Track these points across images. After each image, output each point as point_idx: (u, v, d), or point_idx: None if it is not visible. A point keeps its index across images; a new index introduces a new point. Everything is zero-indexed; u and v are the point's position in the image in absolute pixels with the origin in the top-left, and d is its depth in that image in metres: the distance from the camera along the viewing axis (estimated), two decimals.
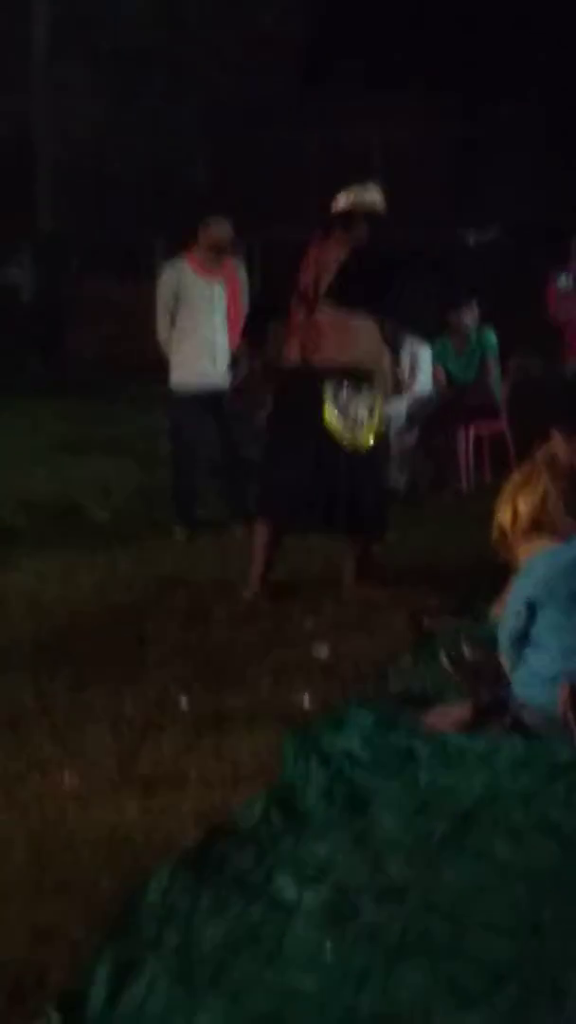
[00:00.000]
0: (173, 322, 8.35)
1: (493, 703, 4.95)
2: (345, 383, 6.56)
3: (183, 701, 5.28)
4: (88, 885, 3.83)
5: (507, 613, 5.06)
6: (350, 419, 6.51)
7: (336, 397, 6.51)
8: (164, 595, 6.84)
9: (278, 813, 4.24)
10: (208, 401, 8.25)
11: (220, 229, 8.32)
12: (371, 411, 6.64)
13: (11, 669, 5.67)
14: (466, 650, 5.39)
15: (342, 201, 6.76)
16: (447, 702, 5.15)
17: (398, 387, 10.02)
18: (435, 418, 9.74)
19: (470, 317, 9.97)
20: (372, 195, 6.83)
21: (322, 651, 5.86)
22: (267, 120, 20.25)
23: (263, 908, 3.67)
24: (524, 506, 5.38)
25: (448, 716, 4.94)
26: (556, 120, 18.31)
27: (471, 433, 9.75)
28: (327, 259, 6.63)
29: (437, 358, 10.02)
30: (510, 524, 5.39)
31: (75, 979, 3.35)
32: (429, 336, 10.18)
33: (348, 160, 19.92)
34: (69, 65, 20.82)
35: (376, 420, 6.66)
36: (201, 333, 8.26)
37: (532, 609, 4.92)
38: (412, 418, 9.80)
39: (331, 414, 6.49)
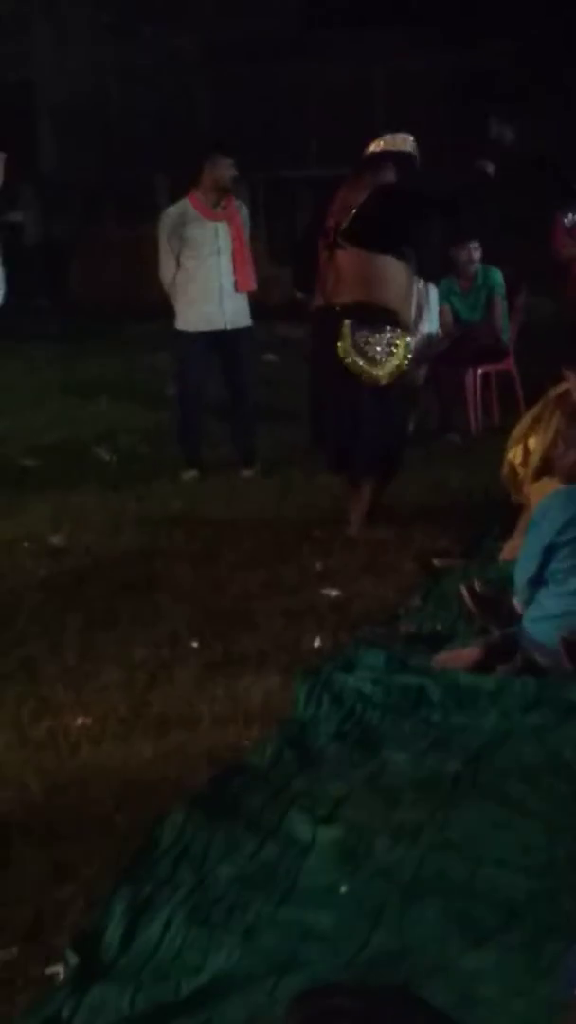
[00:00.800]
0: (177, 264, 8.29)
1: (504, 643, 4.95)
2: (363, 321, 6.55)
3: (194, 643, 5.29)
4: (102, 825, 3.86)
5: (523, 555, 5.04)
6: (368, 356, 6.52)
7: (353, 334, 6.52)
8: (173, 537, 6.84)
9: (291, 753, 4.26)
10: (216, 343, 8.21)
11: (223, 168, 8.24)
12: (391, 348, 6.63)
13: (22, 612, 5.68)
14: (478, 588, 5.37)
15: (373, 146, 6.76)
16: (458, 642, 5.16)
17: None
18: (442, 358, 9.69)
19: (474, 255, 9.89)
20: (402, 142, 6.82)
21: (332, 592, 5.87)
22: (268, 57, 20.06)
23: (277, 847, 3.69)
24: (535, 445, 5.37)
25: (459, 656, 4.95)
26: (557, 53, 18.11)
27: (478, 373, 9.71)
28: (354, 202, 6.65)
29: (443, 298, 9.96)
30: (521, 463, 5.39)
31: (91, 919, 3.38)
32: (434, 275, 10.11)
33: (349, 96, 19.78)
34: (69, 6, 20.62)
35: (398, 357, 6.66)
36: (207, 275, 8.20)
37: (548, 552, 4.91)
38: (419, 358, 9.74)
39: (347, 351, 6.51)
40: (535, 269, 10.91)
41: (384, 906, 3.39)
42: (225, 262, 8.22)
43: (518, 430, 5.82)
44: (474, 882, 3.50)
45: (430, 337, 9.86)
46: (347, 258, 6.60)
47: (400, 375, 6.72)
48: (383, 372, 6.57)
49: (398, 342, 6.65)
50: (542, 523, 4.98)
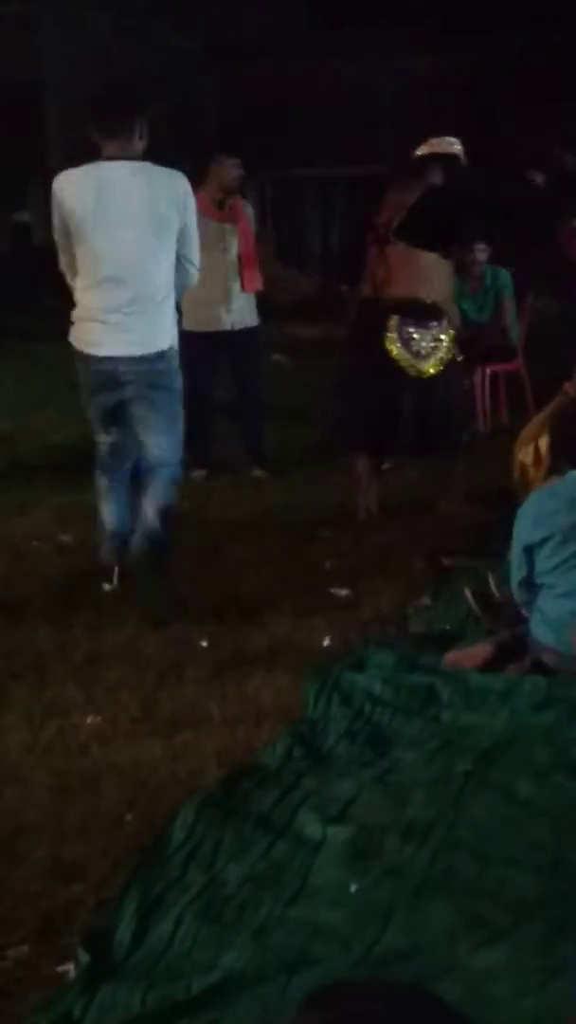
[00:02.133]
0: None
1: (514, 642, 4.95)
2: (410, 315, 6.79)
3: (203, 642, 5.29)
4: (112, 824, 3.87)
5: (513, 558, 5.06)
6: (412, 350, 6.71)
7: (400, 328, 6.68)
8: (183, 536, 6.82)
9: (300, 752, 4.26)
10: (222, 342, 8.21)
11: (228, 169, 8.24)
12: (436, 341, 6.86)
13: (31, 611, 5.68)
14: (492, 587, 5.38)
15: (420, 150, 7.02)
16: (468, 641, 5.16)
17: None
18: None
19: (479, 256, 9.89)
20: (449, 145, 7.07)
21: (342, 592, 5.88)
22: (275, 56, 20.05)
23: (287, 846, 3.70)
24: (546, 446, 5.37)
25: (469, 655, 4.95)
26: (567, 52, 18.09)
27: (487, 373, 9.71)
28: (402, 202, 6.85)
29: (452, 298, 9.94)
30: (532, 463, 5.39)
31: (102, 917, 3.38)
32: None
33: (357, 95, 19.76)
34: (78, 6, 20.62)
35: (443, 350, 6.91)
36: (214, 275, 8.19)
37: (530, 554, 4.92)
38: None
39: (393, 344, 6.65)
40: (542, 270, 10.89)
41: (394, 905, 3.39)
42: (232, 262, 8.22)
43: (528, 430, 5.82)
44: (484, 881, 3.50)
45: None
46: (397, 255, 6.86)
47: (446, 367, 6.95)
48: (428, 365, 6.77)
49: (443, 336, 6.93)
50: (518, 525, 5.00)
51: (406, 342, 6.83)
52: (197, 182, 8.28)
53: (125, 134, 5.59)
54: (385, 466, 7.49)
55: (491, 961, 3.16)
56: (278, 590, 5.93)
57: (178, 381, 5.73)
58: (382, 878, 3.52)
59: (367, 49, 19.33)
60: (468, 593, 5.42)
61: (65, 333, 5.91)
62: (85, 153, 5.86)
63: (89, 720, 4.57)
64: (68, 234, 5.67)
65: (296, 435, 9.22)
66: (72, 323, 5.79)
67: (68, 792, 4.06)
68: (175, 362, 5.73)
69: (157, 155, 5.78)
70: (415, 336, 6.84)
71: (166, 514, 5.72)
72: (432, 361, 6.85)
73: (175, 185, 5.61)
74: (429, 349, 6.85)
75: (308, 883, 3.52)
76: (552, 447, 5.43)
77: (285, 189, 19.40)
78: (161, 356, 5.63)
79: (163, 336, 5.64)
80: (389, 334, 6.84)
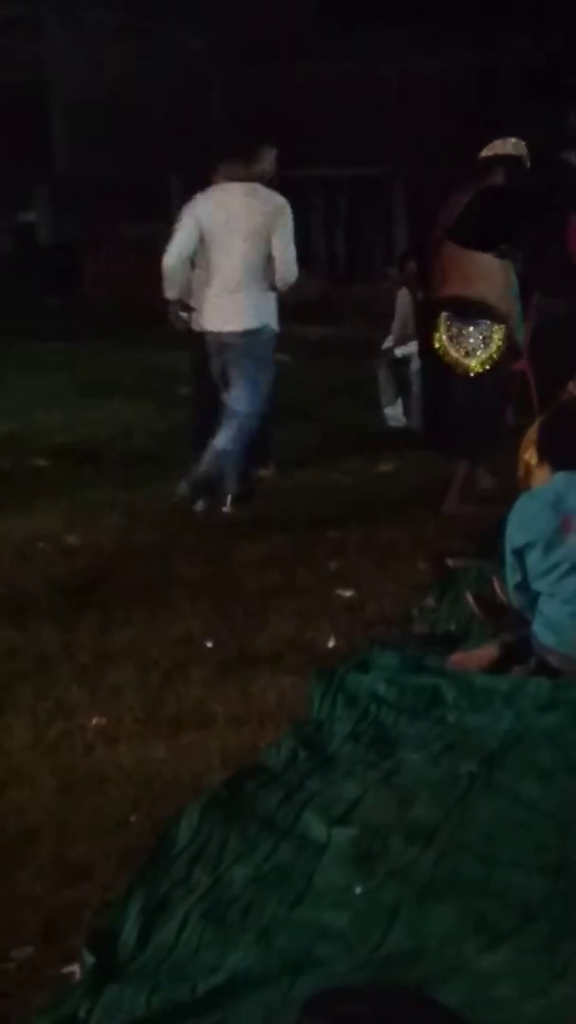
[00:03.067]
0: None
1: (519, 644, 4.95)
2: (459, 314, 6.97)
3: (208, 643, 5.30)
4: (117, 824, 3.87)
5: (507, 562, 5.07)
6: (462, 348, 6.80)
7: (448, 326, 6.77)
8: (187, 537, 6.84)
9: (305, 753, 4.26)
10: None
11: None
12: (485, 341, 6.99)
13: (37, 612, 5.68)
14: (497, 588, 5.38)
15: (485, 151, 7.16)
16: (472, 643, 5.16)
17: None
18: None
19: None
20: (511, 146, 7.22)
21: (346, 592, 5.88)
22: (280, 56, 20.06)
23: (292, 847, 3.70)
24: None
25: (474, 657, 4.95)
26: (572, 52, 18.07)
27: None
28: (461, 203, 6.95)
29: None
30: (537, 463, 5.39)
31: (107, 918, 3.38)
32: None
33: (362, 95, 19.76)
34: (83, 7, 20.64)
35: (491, 349, 7.04)
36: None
37: (520, 557, 4.93)
38: None
39: (441, 340, 6.73)
40: (548, 269, 10.86)
41: (399, 906, 3.39)
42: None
43: (533, 431, 5.81)
44: (489, 882, 3.50)
45: None
46: (451, 255, 7.01)
47: (494, 365, 7.08)
48: (475, 362, 6.84)
49: (493, 335, 7.03)
50: (507, 528, 5.02)
51: (453, 339, 6.91)
52: (207, 182, 8.32)
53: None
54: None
55: (496, 963, 3.16)
56: (283, 591, 5.93)
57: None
58: (387, 880, 3.52)
59: (372, 49, 19.33)
60: (469, 597, 5.42)
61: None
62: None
63: (94, 721, 4.57)
64: None
65: (300, 435, 9.22)
66: None
67: (73, 793, 4.07)
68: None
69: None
70: (463, 332, 6.91)
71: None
72: (479, 359, 6.92)
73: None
74: (477, 347, 6.93)
75: (313, 884, 3.52)
76: (538, 448, 5.43)
77: (290, 188, 19.39)
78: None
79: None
80: (437, 333, 6.98)
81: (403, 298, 10.20)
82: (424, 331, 7.36)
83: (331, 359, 13.08)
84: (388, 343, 10.24)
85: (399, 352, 10.03)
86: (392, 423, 9.98)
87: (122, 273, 17.70)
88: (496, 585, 5.39)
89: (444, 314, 7.01)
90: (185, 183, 16.46)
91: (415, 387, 9.83)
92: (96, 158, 20.24)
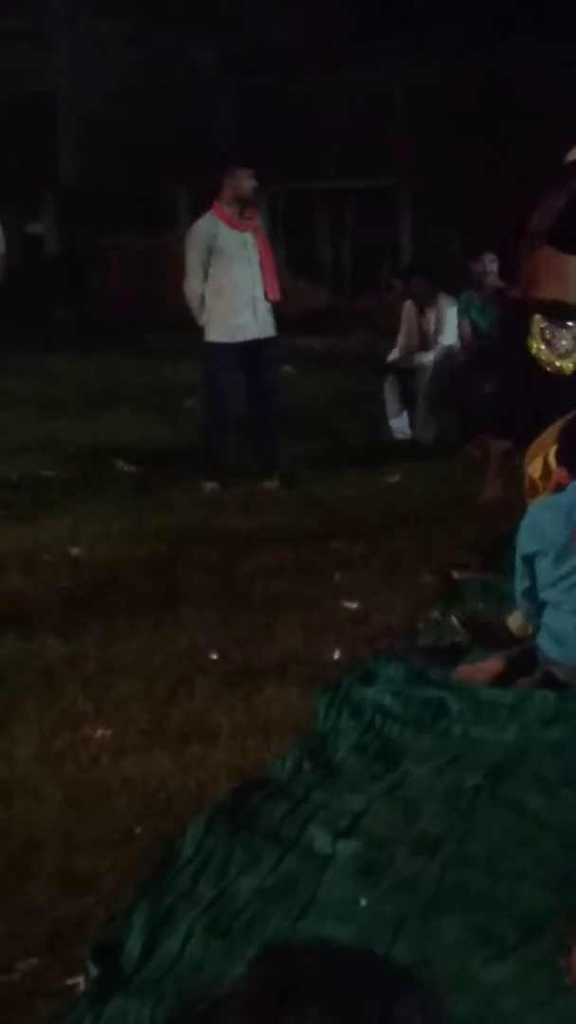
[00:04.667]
0: (205, 276, 8.30)
1: (524, 656, 4.95)
2: (553, 316, 6.91)
3: (213, 655, 5.30)
4: (122, 836, 3.87)
5: (517, 568, 5.09)
6: (554, 348, 6.86)
7: (542, 328, 6.85)
8: (192, 549, 6.85)
9: (310, 765, 4.26)
10: (245, 353, 8.24)
11: (242, 180, 8.28)
12: None
13: (42, 623, 5.69)
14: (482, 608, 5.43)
15: (573, 152, 7.14)
16: (477, 655, 5.16)
17: (425, 341, 10.03)
18: (461, 371, 9.70)
19: (490, 267, 9.89)
20: None
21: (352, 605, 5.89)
22: (287, 68, 20.11)
23: (297, 859, 3.70)
24: (554, 459, 5.38)
25: (480, 669, 4.95)
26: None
27: None
28: (553, 207, 7.00)
29: (462, 311, 9.98)
30: (541, 476, 5.40)
31: (112, 930, 3.38)
32: (454, 289, 10.15)
33: (368, 106, 19.80)
34: (91, 18, 20.70)
35: None
36: (241, 286, 8.23)
37: (530, 564, 4.94)
38: (439, 371, 9.79)
39: (536, 342, 6.83)
40: None
41: (404, 919, 3.39)
42: (256, 272, 8.26)
43: (537, 445, 5.82)
44: (494, 895, 3.50)
45: (450, 350, 9.90)
46: (544, 257, 6.93)
47: None
48: (569, 362, 6.87)
49: None
50: (519, 534, 5.03)
51: (548, 341, 6.96)
52: (212, 195, 8.37)
53: None
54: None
55: (500, 975, 3.16)
56: (288, 603, 5.93)
57: None
58: (392, 892, 3.52)
59: (378, 61, 19.38)
60: (455, 620, 5.45)
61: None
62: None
63: (99, 732, 4.57)
64: None
65: (305, 447, 9.24)
66: None
67: (78, 804, 4.07)
68: None
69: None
70: (556, 334, 6.97)
71: None
72: (573, 359, 6.98)
73: None
74: (571, 348, 6.98)
75: (318, 897, 3.52)
76: (557, 455, 5.45)
77: (296, 200, 19.42)
78: None
79: None
80: (532, 334, 6.97)
81: (408, 310, 10.23)
82: (510, 329, 7.30)
83: (336, 370, 13.10)
84: (394, 355, 10.26)
85: (405, 364, 10.05)
86: (398, 435, 9.99)
87: (128, 284, 17.75)
88: (481, 606, 5.43)
89: (537, 317, 6.96)
90: (192, 195, 16.52)
91: (421, 399, 9.86)
92: (103, 169, 20.30)
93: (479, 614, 5.60)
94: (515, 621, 5.24)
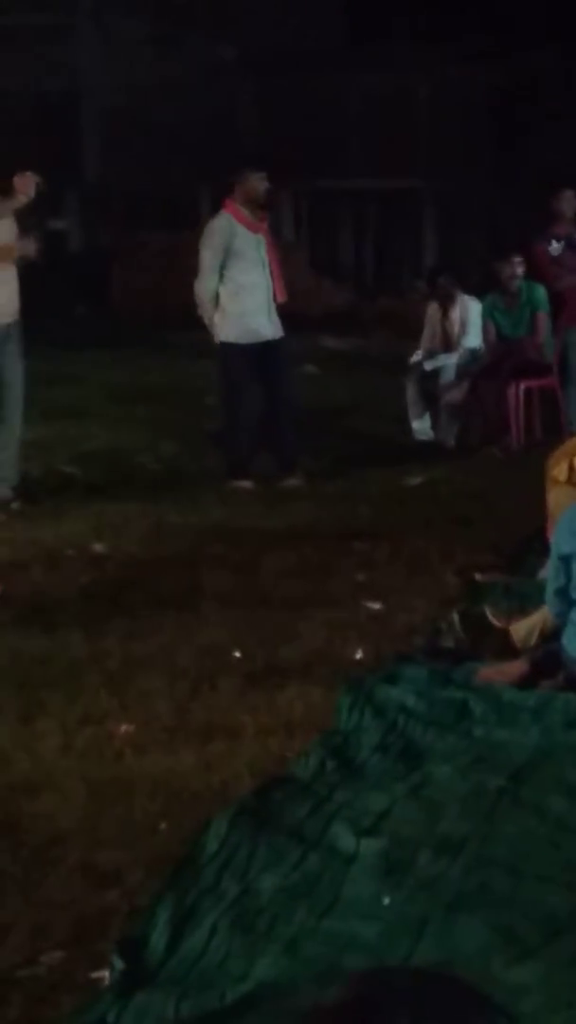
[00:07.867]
0: (220, 277, 8.33)
1: (548, 659, 4.95)
2: None
3: (236, 652, 5.31)
4: (146, 833, 3.89)
5: (550, 566, 5.08)
6: None
7: None
8: (215, 547, 6.86)
9: (333, 764, 4.27)
10: (260, 353, 8.26)
11: (255, 182, 8.31)
12: None
13: (66, 619, 5.71)
14: (489, 615, 5.43)
15: None
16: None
17: (448, 343, 10.02)
18: (485, 373, 9.71)
19: (517, 270, 9.87)
20: None
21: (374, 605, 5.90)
22: (310, 68, 20.10)
23: (320, 858, 3.71)
24: None
25: (502, 671, 4.96)
26: None
27: (521, 388, 9.71)
28: None
29: (487, 313, 9.97)
30: (566, 480, 5.41)
31: (136, 925, 3.40)
32: (479, 291, 10.15)
33: (391, 107, 19.78)
34: (114, 16, 20.73)
35: None
36: (257, 287, 8.26)
37: (566, 563, 4.93)
38: (462, 373, 9.80)
39: None
40: None
41: (427, 919, 3.40)
42: (267, 274, 8.30)
43: (563, 448, 5.82)
44: (517, 897, 3.51)
45: (473, 352, 9.90)
46: None
47: None
48: None
49: None
50: (556, 533, 5.02)
51: None
52: (226, 196, 8.40)
53: None
54: None
55: (523, 977, 3.17)
56: (311, 602, 5.94)
57: None
58: (415, 892, 3.53)
59: (402, 62, 19.37)
60: (455, 616, 5.45)
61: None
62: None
63: (123, 728, 4.59)
64: None
65: (327, 447, 9.24)
66: None
67: (102, 799, 4.08)
68: None
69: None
70: None
71: None
72: None
73: None
74: None
75: (341, 895, 3.53)
76: None
77: (319, 200, 19.43)
78: None
79: None
80: None
81: (432, 311, 10.22)
82: None
83: (358, 371, 13.10)
84: (416, 357, 10.26)
85: (428, 366, 10.05)
86: (420, 437, 9.99)
87: (150, 281, 17.76)
88: (488, 612, 5.42)
89: None
90: (214, 193, 16.54)
91: (443, 401, 9.86)
92: (126, 167, 20.31)
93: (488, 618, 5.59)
94: (519, 631, 5.23)
